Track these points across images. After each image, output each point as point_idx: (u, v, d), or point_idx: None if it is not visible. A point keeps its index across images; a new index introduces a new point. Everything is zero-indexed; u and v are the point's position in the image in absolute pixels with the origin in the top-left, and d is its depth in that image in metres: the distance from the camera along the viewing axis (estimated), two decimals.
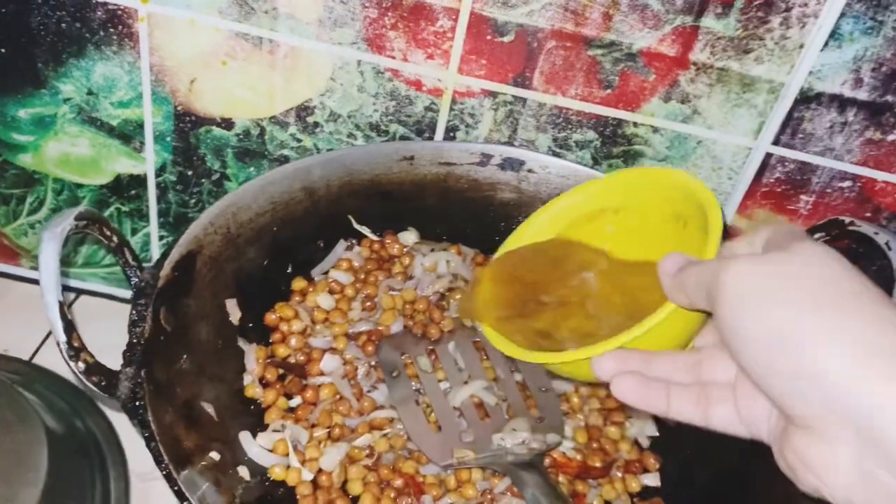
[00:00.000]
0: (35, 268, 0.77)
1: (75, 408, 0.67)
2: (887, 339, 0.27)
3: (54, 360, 0.70)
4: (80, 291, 0.79)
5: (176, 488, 0.36)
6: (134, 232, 0.74)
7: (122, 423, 0.66)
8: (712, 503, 0.51)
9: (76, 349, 0.38)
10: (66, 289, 0.77)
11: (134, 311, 0.43)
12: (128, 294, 0.77)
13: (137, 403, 0.39)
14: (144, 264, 0.50)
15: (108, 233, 0.44)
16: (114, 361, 0.70)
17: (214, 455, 0.45)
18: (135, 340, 0.42)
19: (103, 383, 0.40)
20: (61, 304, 0.38)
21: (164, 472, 0.37)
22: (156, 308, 0.44)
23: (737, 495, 0.49)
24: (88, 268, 0.78)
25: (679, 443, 0.55)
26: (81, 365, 0.39)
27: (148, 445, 0.38)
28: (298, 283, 0.58)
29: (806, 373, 0.28)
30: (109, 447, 0.65)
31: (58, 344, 0.38)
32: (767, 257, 0.31)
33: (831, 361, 0.27)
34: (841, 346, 0.27)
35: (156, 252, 0.76)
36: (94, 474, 0.62)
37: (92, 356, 0.40)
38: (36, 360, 0.72)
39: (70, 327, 0.38)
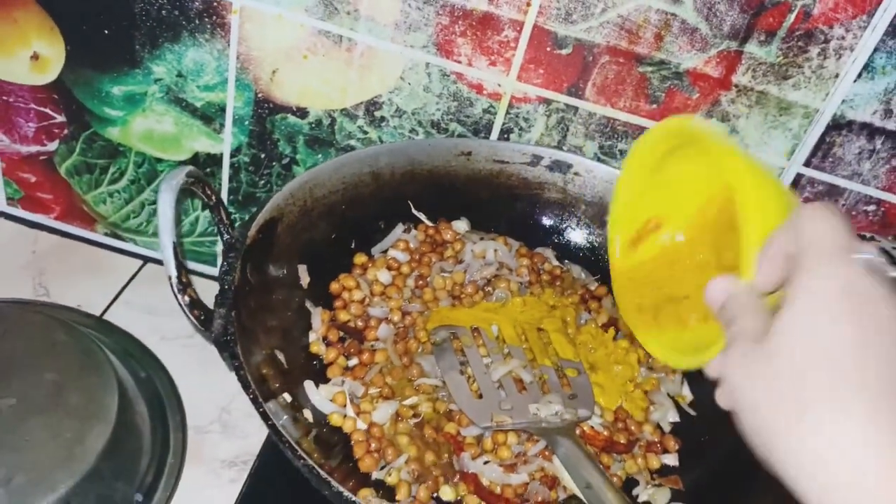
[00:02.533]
0: (108, 234, 0.84)
1: (141, 362, 0.73)
2: None
3: (123, 318, 0.77)
4: (147, 259, 0.85)
5: (261, 410, 0.42)
6: (204, 206, 0.81)
7: (182, 381, 0.72)
8: (723, 482, 0.55)
9: (184, 284, 0.44)
10: (135, 255, 0.84)
11: (225, 263, 0.49)
12: (193, 265, 0.84)
13: (228, 338, 0.45)
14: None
15: (209, 192, 0.50)
16: (178, 324, 0.77)
17: (287, 396, 0.51)
18: (226, 287, 0.47)
19: (202, 318, 0.46)
20: (174, 245, 0.43)
21: (251, 397, 0.42)
22: (244, 262, 0.50)
23: (746, 477, 0.53)
24: (157, 237, 0.84)
25: (697, 429, 0.60)
26: (187, 298, 0.44)
27: (237, 373, 0.44)
28: (360, 258, 0.64)
29: None
30: (170, 401, 0.71)
31: (169, 278, 0.44)
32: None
33: None
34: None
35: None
36: (155, 422, 0.68)
37: (196, 292, 0.46)
38: (105, 318, 0.78)
39: (181, 265, 0.44)
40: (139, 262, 0.85)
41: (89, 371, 0.65)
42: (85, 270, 0.83)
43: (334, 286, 0.62)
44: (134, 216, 0.83)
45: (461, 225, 0.68)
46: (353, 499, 0.39)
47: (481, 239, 0.67)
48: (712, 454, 0.58)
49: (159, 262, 0.85)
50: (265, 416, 0.42)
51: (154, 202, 0.81)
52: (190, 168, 0.47)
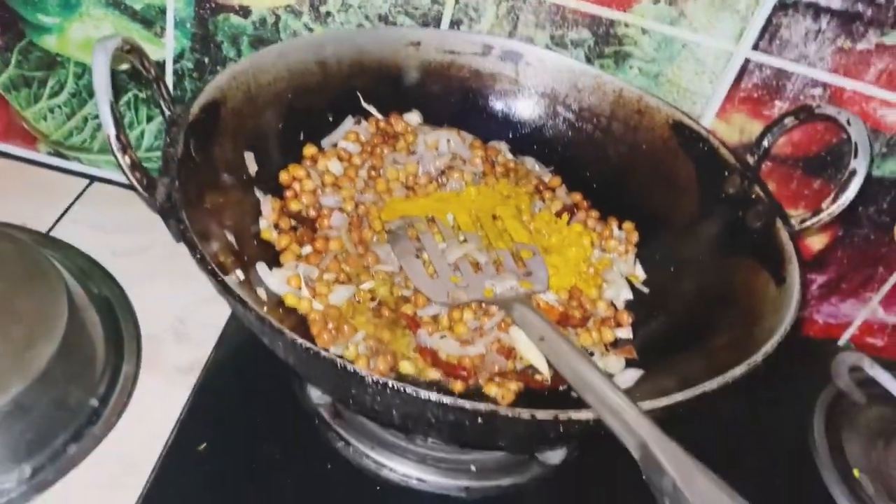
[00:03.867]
0: (51, 153, 0.82)
1: (90, 274, 0.71)
2: None
3: (70, 236, 0.75)
4: (94, 178, 0.82)
5: (210, 268, 0.41)
6: (149, 119, 0.78)
7: (134, 293, 0.71)
8: (673, 350, 0.56)
9: (123, 144, 0.42)
10: (81, 175, 0.82)
11: (167, 137, 0.47)
12: None
13: (173, 204, 0.44)
14: None
15: (147, 64, 0.48)
16: (128, 240, 0.75)
17: (239, 274, 0.50)
18: (168, 159, 0.46)
19: (144, 182, 0.44)
20: (111, 103, 0.42)
21: (198, 257, 0.41)
22: (186, 137, 0.48)
23: (692, 342, 0.55)
24: (103, 155, 0.82)
25: (650, 305, 0.61)
26: (127, 160, 0.43)
27: (183, 237, 0.42)
28: (309, 150, 0.63)
29: None
30: (122, 310, 0.70)
31: (107, 137, 0.42)
32: None
33: None
34: None
35: None
36: (108, 330, 0.67)
37: (136, 154, 0.44)
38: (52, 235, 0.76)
39: (118, 124, 0.42)
40: (85, 182, 0.82)
41: (37, 279, 0.64)
42: (28, 191, 0.80)
43: (284, 176, 0.60)
44: (77, 132, 0.80)
45: (413, 117, 0.67)
46: (307, 345, 0.39)
47: (433, 130, 0.67)
48: (663, 326, 0.59)
49: (107, 181, 0.83)
50: (213, 274, 0.41)
51: (97, 116, 0.78)
52: (126, 36, 0.46)
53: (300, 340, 0.38)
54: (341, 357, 0.51)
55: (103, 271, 0.73)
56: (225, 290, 0.40)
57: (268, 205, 0.58)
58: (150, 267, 0.74)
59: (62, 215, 0.78)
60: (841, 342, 0.87)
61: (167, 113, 0.50)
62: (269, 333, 0.40)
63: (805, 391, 0.75)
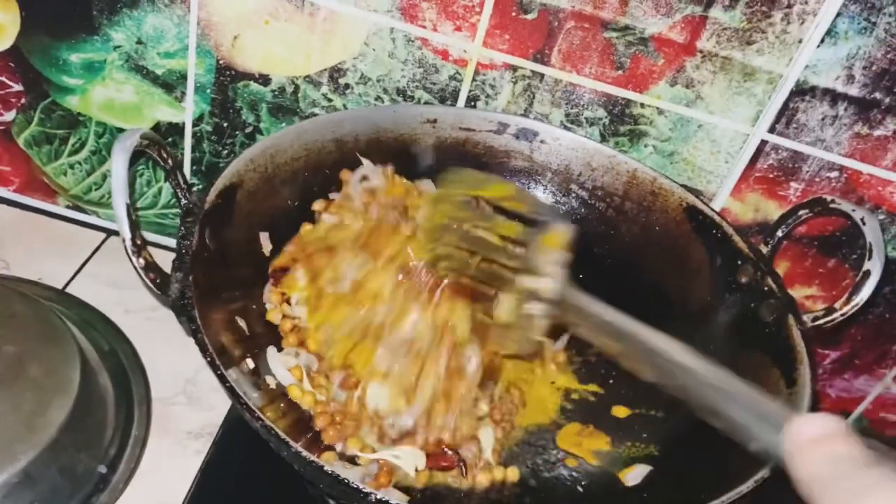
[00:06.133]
0: (70, 207, 0.83)
1: (104, 334, 0.72)
2: None
3: (86, 292, 0.76)
4: (110, 232, 0.83)
5: (219, 373, 0.41)
6: (167, 178, 0.79)
7: (147, 353, 0.71)
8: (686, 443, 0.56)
9: (138, 246, 0.43)
10: (97, 228, 0.83)
11: (183, 227, 0.48)
12: (156, 238, 0.83)
13: (185, 302, 0.44)
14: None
15: (165, 155, 0.49)
16: (142, 297, 0.76)
17: (249, 362, 0.50)
18: (183, 251, 0.46)
19: (158, 281, 0.45)
20: (128, 206, 0.42)
21: (209, 360, 0.42)
22: (202, 227, 0.49)
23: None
24: None
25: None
26: (142, 261, 0.44)
27: (195, 337, 0.43)
28: (306, 228, 0.62)
29: None
30: (134, 372, 0.70)
31: (123, 241, 0.43)
32: None
33: None
34: None
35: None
36: (119, 394, 0.67)
37: (151, 256, 0.45)
38: (67, 291, 0.77)
39: (134, 227, 0.43)
40: (102, 235, 0.83)
41: (50, 343, 0.64)
42: (46, 244, 0.81)
43: (280, 260, 0.60)
44: (96, 188, 0.81)
45: (429, 185, 0.67)
46: (312, 459, 0.39)
47: None
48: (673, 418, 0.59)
49: None
50: (222, 379, 0.41)
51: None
52: (144, 130, 0.46)
53: (305, 453, 0.39)
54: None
55: (116, 330, 0.73)
56: (233, 395, 0.41)
57: (268, 289, 0.58)
58: (162, 325, 0.75)
59: (78, 270, 0.79)
60: (853, 416, 0.86)
61: (183, 201, 0.51)
62: (276, 443, 0.40)
63: None
